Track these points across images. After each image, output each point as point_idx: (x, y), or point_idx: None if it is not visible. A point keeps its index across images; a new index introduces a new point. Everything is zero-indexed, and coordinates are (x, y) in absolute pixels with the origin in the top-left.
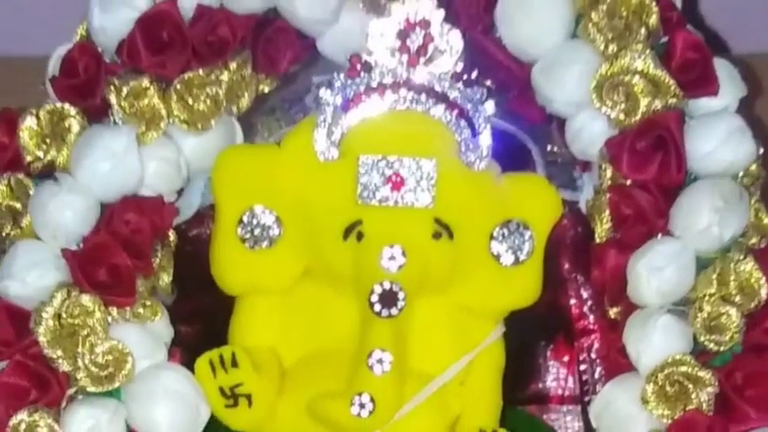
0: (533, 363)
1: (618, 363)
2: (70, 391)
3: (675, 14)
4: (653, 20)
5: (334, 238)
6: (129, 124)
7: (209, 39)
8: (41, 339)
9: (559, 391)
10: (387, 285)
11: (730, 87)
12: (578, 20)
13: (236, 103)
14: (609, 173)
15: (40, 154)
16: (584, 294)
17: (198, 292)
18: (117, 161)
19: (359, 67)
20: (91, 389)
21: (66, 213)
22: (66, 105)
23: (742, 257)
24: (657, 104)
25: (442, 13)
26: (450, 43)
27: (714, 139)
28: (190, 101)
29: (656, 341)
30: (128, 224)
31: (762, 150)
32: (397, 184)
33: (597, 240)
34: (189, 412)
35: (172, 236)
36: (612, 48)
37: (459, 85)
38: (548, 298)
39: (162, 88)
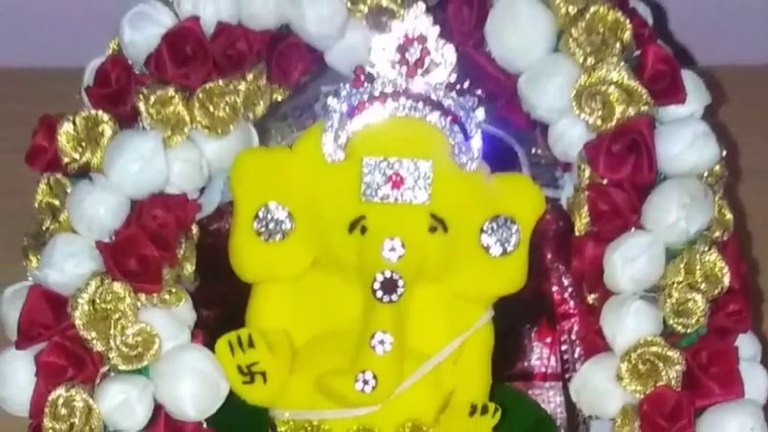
0: (519, 343)
1: (595, 343)
2: (103, 369)
3: (647, 30)
4: (627, 35)
5: (340, 231)
6: (156, 129)
7: (228, 52)
8: (77, 322)
9: (543, 369)
10: (387, 274)
11: (696, 96)
12: (560, 36)
13: (253, 110)
14: (587, 173)
15: (77, 156)
16: (565, 282)
17: (218, 281)
18: (145, 162)
19: (363, 77)
20: (122, 367)
21: (99, 209)
22: (100, 112)
23: (707, 249)
24: (631, 111)
25: (437, 29)
26: (445, 56)
27: (681, 142)
28: (211, 108)
29: (629, 324)
30: (155, 219)
31: (724, 153)
32: (397, 183)
33: (577, 233)
34: (210, 388)
35: (195, 229)
36: (590, 60)
37: (453, 94)
38: (532, 285)
39: (186, 97)
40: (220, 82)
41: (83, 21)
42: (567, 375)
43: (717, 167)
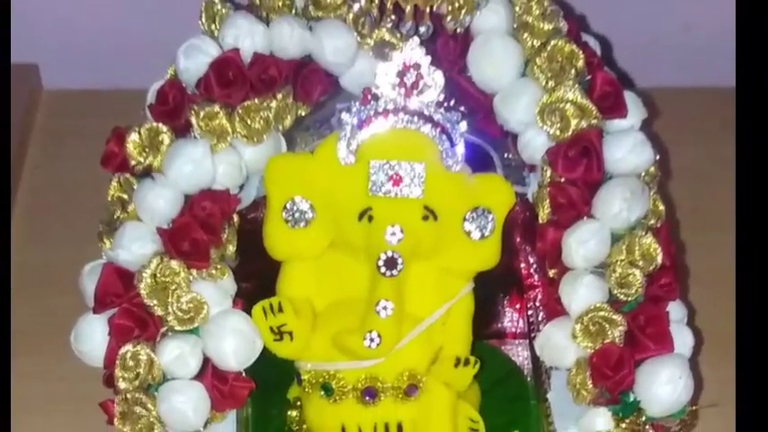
0: (494, 309)
1: (555, 309)
2: (163, 330)
3: (596, 59)
4: (580, 63)
5: (351, 219)
6: (205, 138)
7: (262, 77)
8: (142, 292)
9: (513, 330)
10: (389, 254)
11: (635, 112)
12: (527, 64)
13: (282, 123)
14: (548, 173)
15: (141, 159)
16: (531, 260)
17: (254, 259)
18: (196, 165)
19: (369, 97)
20: (178, 328)
21: (159, 202)
22: (160, 125)
23: (644, 233)
24: (583, 124)
25: (429, 58)
26: (435, 80)
27: (624, 148)
28: (248, 121)
29: (582, 293)
30: (204, 210)
31: (657, 157)
32: (397, 181)
33: (540, 221)
34: (248, 344)
35: (236, 218)
36: (551, 83)
37: (441, 110)
38: (505, 262)
39: (228, 112)
40: (256, 100)
41: (146, 52)
42: (532, 334)
43: (652, 169)
